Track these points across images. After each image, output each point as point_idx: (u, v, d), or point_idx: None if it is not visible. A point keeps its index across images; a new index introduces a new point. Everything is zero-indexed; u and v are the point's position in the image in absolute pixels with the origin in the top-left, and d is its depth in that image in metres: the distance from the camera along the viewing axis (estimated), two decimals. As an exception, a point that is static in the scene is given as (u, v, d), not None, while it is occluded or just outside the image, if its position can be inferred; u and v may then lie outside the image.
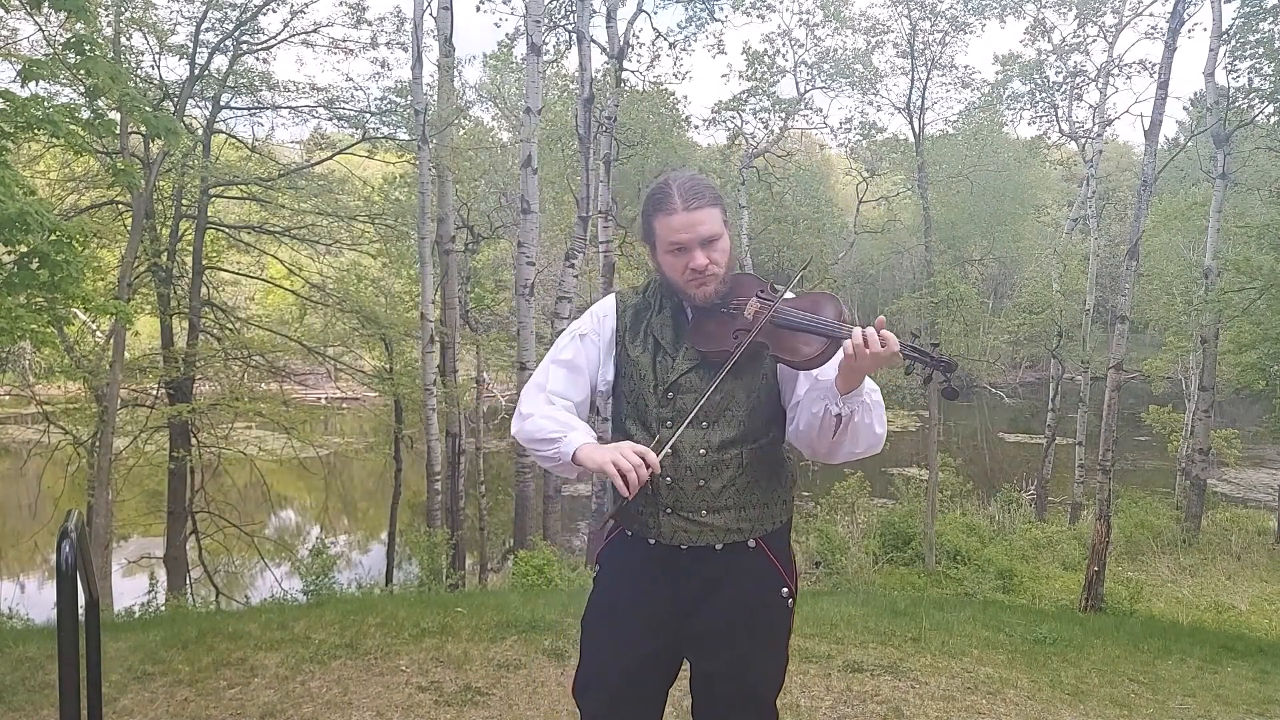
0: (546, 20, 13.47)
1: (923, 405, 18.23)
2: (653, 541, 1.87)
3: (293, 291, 15.63)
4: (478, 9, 16.90)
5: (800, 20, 21.08)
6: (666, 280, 1.89)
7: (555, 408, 1.86)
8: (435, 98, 13.04)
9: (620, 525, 1.95)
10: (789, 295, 1.88)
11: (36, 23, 9.90)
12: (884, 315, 1.78)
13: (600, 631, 1.95)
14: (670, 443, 1.77)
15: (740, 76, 19.00)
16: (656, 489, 1.83)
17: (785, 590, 1.93)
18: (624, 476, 1.64)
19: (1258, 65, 15.04)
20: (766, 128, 19.82)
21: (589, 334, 1.94)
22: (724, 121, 19.55)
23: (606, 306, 1.98)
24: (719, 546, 1.86)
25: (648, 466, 1.67)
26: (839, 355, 1.70)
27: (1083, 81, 20.73)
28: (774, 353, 1.80)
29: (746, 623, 1.88)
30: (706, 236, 1.79)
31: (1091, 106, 21.03)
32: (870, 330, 1.64)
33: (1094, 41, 20.10)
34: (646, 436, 1.84)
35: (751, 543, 1.88)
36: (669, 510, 1.84)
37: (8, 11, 8.51)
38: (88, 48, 5.48)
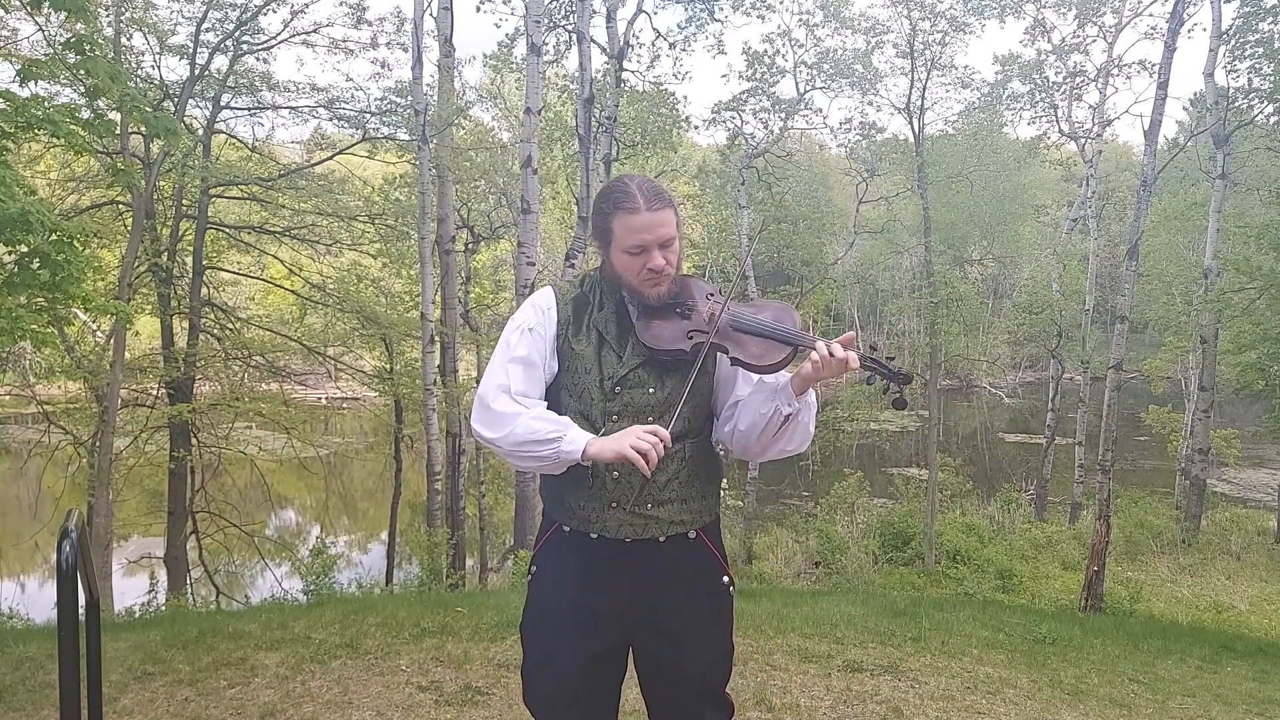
0: (546, 20, 13.46)
1: (922, 405, 18.24)
2: (594, 536, 1.87)
3: (293, 291, 15.62)
4: (478, 9, 16.91)
5: (800, 20, 21.06)
6: (617, 278, 1.89)
7: (533, 410, 1.84)
8: (435, 98, 13.03)
9: (556, 522, 1.94)
10: (745, 301, 1.95)
11: (36, 23, 9.89)
12: (853, 332, 1.89)
13: (546, 634, 1.93)
14: (675, 420, 1.81)
15: (740, 77, 18.98)
16: (603, 484, 1.85)
17: (726, 579, 1.97)
18: (645, 458, 1.68)
19: (1257, 65, 15.02)
20: (766, 128, 19.80)
21: (536, 327, 1.90)
22: (724, 122, 19.54)
23: (547, 299, 1.95)
24: (662, 539, 1.88)
25: (662, 442, 1.71)
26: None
27: (1082, 82, 20.72)
28: (734, 355, 1.84)
29: (693, 613, 1.90)
30: (665, 238, 1.82)
31: (1091, 107, 21.04)
32: (836, 344, 1.75)
33: (1094, 42, 20.10)
34: (590, 429, 1.84)
35: (692, 534, 1.91)
36: (615, 505, 1.85)
37: (8, 11, 8.52)
38: (88, 48, 5.48)
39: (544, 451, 1.77)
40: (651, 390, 1.86)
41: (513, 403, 1.83)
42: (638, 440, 1.69)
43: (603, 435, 1.80)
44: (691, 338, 1.84)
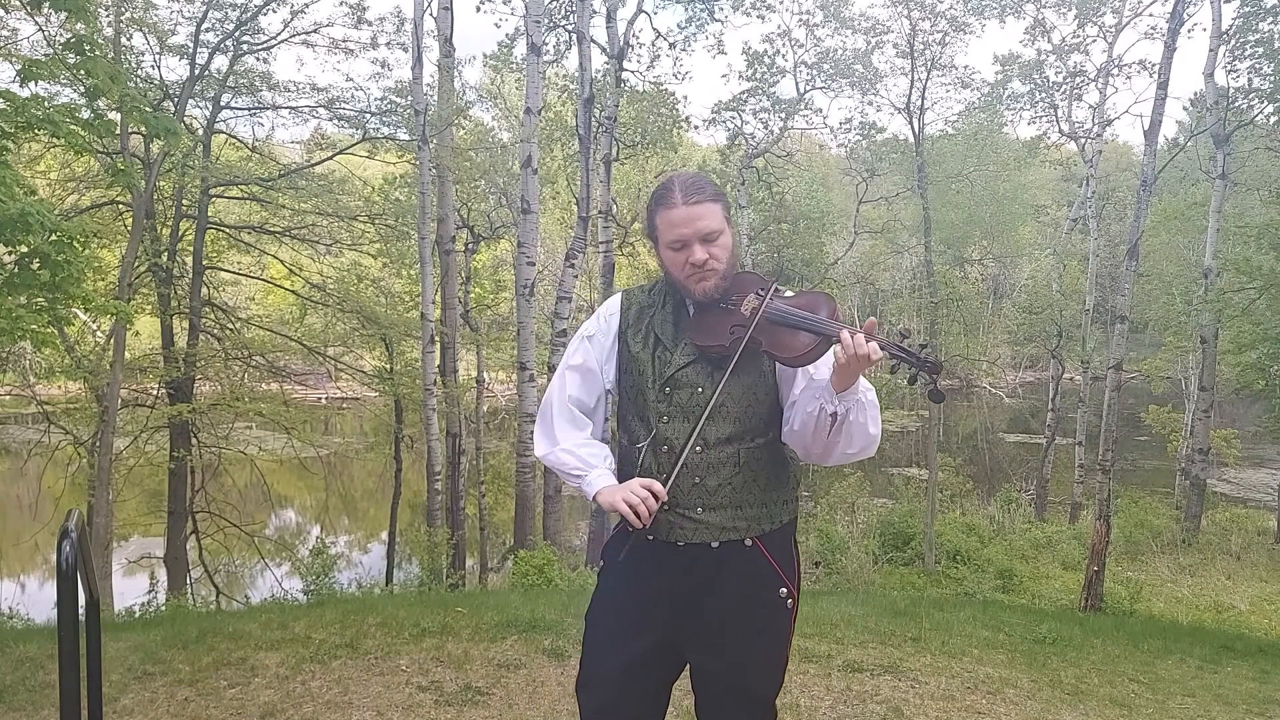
0: (546, 20, 13.47)
1: (922, 405, 18.23)
2: (651, 538, 1.88)
3: (293, 291, 15.63)
4: (478, 9, 16.93)
5: (800, 20, 21.10)
6: (669, 277, 1.92)
7: (579, 434, 1.94)
8: (435, 98, 13.03)
9: (624, 521, 1.97)
10: (787, 293, 1.90)
11: (36, 23, 9.86)
12: (874, 318, 1.81)
13: (601, 627, 1.97)
14: (673, 476, 1.82)
15: (740, 77, 19.00)
16: None
17: (784, 591, 1.91)
18: (635, 511, 1.73)
19: (1257, 65, 15.04)
20: (766, 128, 19.81)
21: (596, 334, 1.98)
22: (724, 122, 19.55)
23: (612, 305, 2.01)
24: (715, 544, 1.86)
25: (655, 498, 1.75)
26: (830, 353, 1.74)
27: (1082, 82, 20.74)
28: (766, 349, 1.81)
29: (741, 621, 1.88)
30: (706, 231, 1.82)
31: (1091, 107, 21.05)
32: (860, 333, 1.68)
33: (1094, 41, 20.11)
34: (644, 430, 1.88)
35: (748, 541, 1.88)
36: (665, 506, 1.84)
37: (8, 11, 8.52)
38: (87, 48, 5.48)
39: (572, 482, 1.90)
40: (700, 390, 1.85)
41: (564, 421, 1.94)
42: (629, 494, 1.75)
43: (650, 442, 1.87)
44: (733, 332, 1.83)
